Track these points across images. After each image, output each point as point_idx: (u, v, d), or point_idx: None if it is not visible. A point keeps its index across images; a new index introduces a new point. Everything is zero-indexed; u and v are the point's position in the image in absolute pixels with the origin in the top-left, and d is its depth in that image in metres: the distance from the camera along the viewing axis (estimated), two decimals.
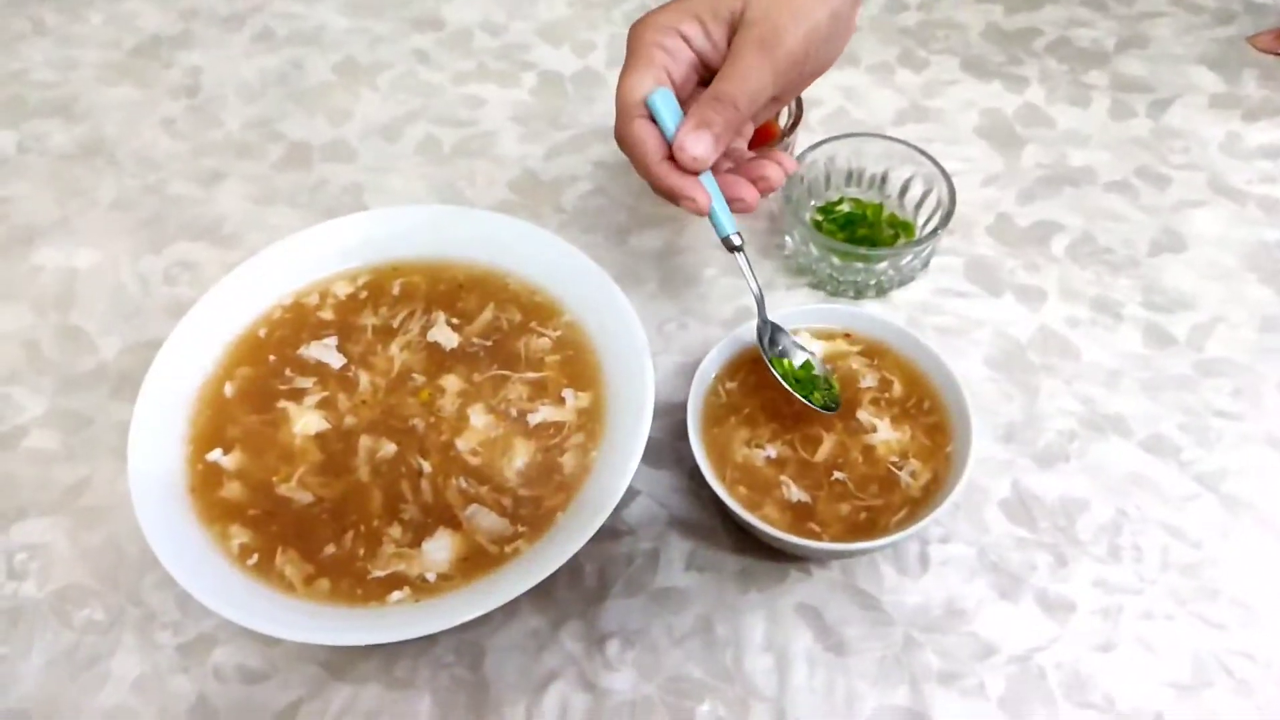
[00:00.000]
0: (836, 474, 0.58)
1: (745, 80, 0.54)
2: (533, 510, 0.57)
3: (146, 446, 0.57)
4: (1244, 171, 0.79)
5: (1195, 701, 0.55)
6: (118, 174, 0.81)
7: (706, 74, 0.57)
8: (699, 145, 0.54)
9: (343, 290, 0.66)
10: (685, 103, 0.56)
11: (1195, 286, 0.72)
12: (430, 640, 0.58)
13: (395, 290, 0.66)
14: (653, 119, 0.55)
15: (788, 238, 0.73)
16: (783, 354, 0.61)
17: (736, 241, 0.58)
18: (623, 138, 0.56)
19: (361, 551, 0.55)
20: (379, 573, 0.55)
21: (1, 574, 0.61)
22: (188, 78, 0.88)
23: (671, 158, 0.55)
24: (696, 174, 0.55)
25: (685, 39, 0.56)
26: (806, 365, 0.61)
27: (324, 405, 0.61)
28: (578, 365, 0.62)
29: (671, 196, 0.56)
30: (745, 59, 0.54)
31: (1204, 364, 0.68)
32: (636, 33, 0.56)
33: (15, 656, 0.58)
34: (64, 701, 0.56)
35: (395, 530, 0.56)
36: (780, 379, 0.59)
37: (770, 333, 0.62)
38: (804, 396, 0.59)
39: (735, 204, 0.57)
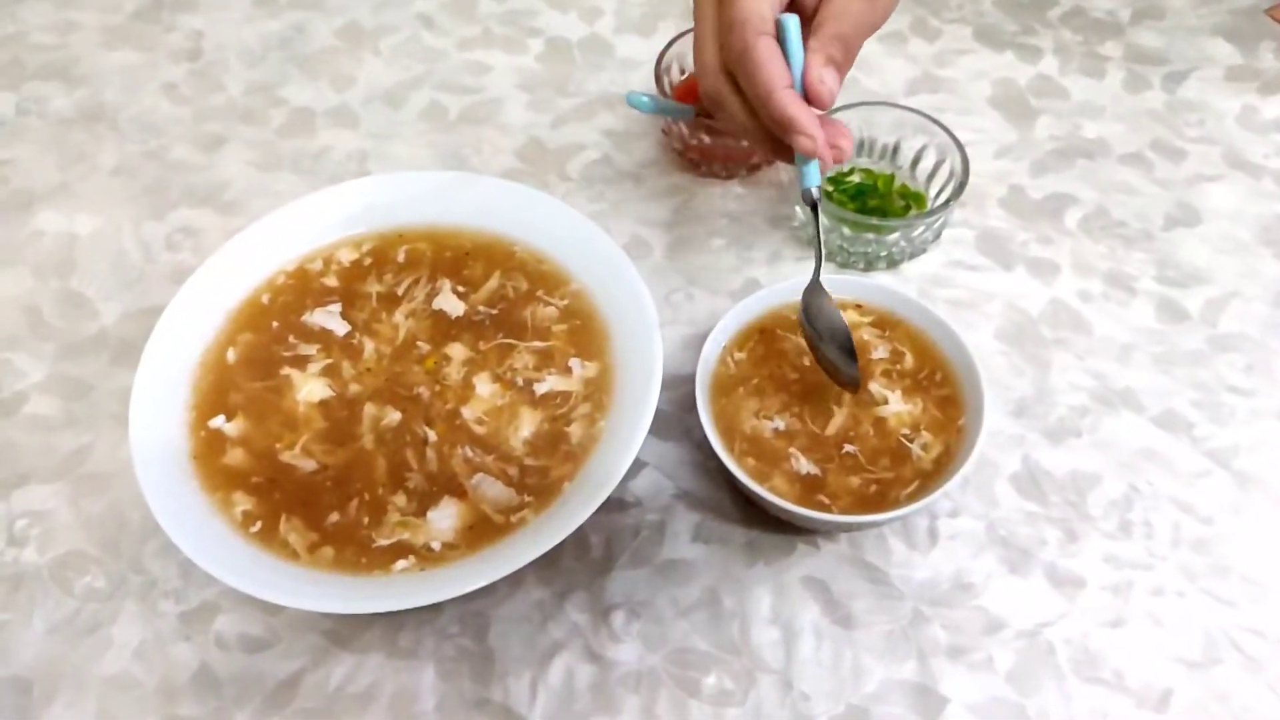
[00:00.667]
0: (848, 447, 0.58)
1: (859, 25, 0.52)
2: (539, 480, 0.56)
3: (148, 413, 0.56)
4: (1260, 145, 0.78)
5: (1205, 678, 0.55)
6: (119, 139, 0.80)
7: (791, 9, 0.54)
8: (833, 82, 0.51)
9: (347, 257, 0.65)
10: None
11: (1209, 261, 0.71)
12: (434, 610, 0.57)
13: (400, 257, 0.65)
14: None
15: (797, 208, 0.72)
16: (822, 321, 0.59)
17: (816, 195, 0.55)
18: (745, 53, 0.50)
19: (366, 520, 0.55)
20: (383, 541, 0.54)
21: (2, 541, 0.61)
22: (189, 41, 0.87)
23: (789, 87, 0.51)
24: (824, 110, 0.52)
25: None
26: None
27: (328, 372, 0.60)
28: (585, 335, 0.62)
29: (787, 127, 0.51)
30: (855, 3, 0.52)
31: (1217, 339, 0.67)
32: None
33: (17, 623, 0.58)
34: (65, 668, 0.56)
35: (400, 499, 0.56)
36: (815, 347, 0.58)
37: (818, 298, 0.59)
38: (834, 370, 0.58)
39: (833, 151, 0.53)
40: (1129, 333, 0.68)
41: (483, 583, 0.50)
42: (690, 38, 0.59)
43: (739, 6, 0.51)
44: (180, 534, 0.51)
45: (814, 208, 0.56)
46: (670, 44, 0.75)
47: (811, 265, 0.71)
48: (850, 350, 0.58)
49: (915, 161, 0.72)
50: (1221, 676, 0.55)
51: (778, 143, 0.53)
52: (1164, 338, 0.68)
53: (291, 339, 0.62)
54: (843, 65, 0.52)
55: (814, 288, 0.59)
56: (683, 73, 0.77)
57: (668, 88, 0.75)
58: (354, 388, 0.60)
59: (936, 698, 0.55)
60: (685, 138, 0.74)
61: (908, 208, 0.71)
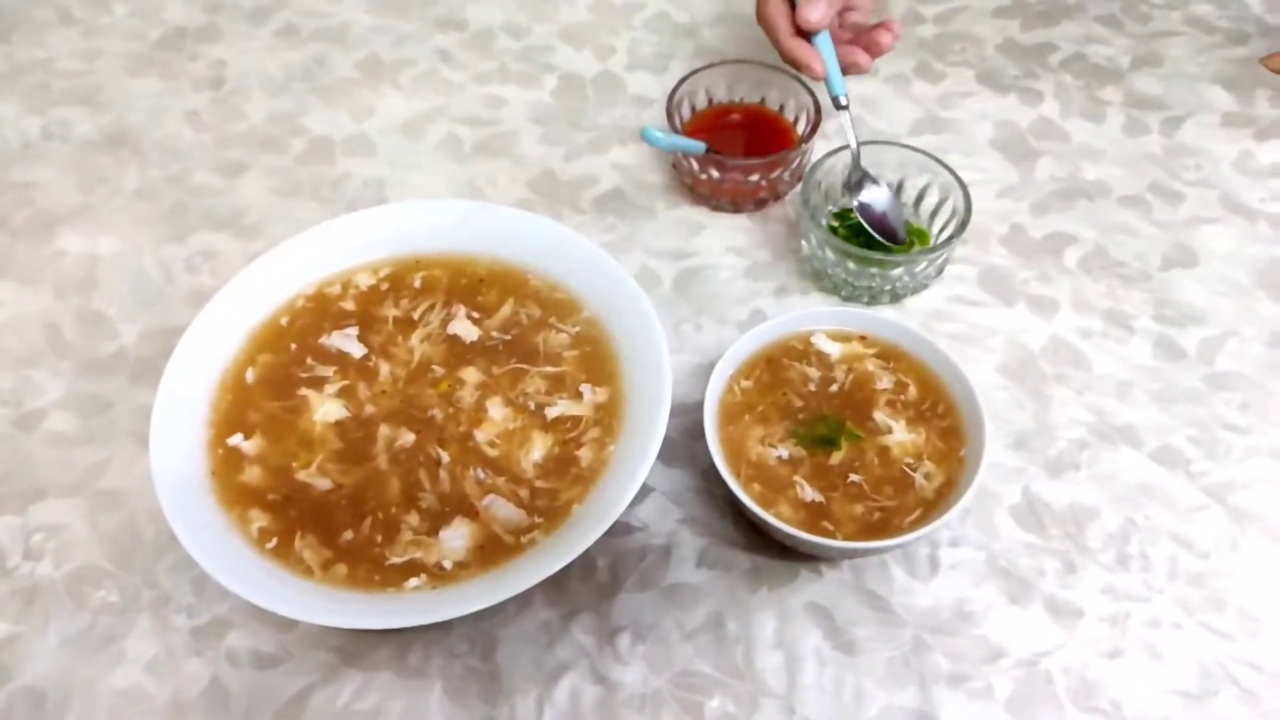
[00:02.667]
0: (852, 476, 0.59)
1: None
2: (549, 502, 0.57)
3: (169, 430, 0.58)
4: (1256, 190, 0.79)
5: (1201, 709, 0.56)
6: (141, 163, 0.82)
7: None
8: (815, 12, 0.69)
9: (365, 282, 0.67)
10: None
11: (1206, 301, 0.73)
12: (443, 629, 0.58)
13: (417, 283, 0.67)
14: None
15: (804, 242, 0.73)
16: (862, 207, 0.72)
17: (844, 102, 0.71)
18: (758, 15, 0.74)
19: (379, 538, 0.56)
20: (396, 559, 0.55)
21: (18, 554, 0.62)
22: (212, 70, 0.89)
23: (800, 32, 0.70)
24: (812, 34, 0.70)
25: None
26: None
27: (344, 394, 0.62)
28: (596, 361, 0.63)
29: (796, 65, 0.71)
30: None
31: (1214, 378, 0.69)
32: None
33: (32, 635, 0.58)
34: (79, 680, 0.57)
35: (413, 518, 0.57)
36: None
37: (858, 180, 0.72)
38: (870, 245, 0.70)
39: (850, 68, 0.72)
40: (1128, 370, 0.69)
41: (493, 601, 0.51)
42: (699, 76, 0.76)
43: None
44: (197, 548, 0.52)
45: (844, 110, 0.72)
46: (682, 82, 0.77)
47: (817, 297, 0.73)
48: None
49: (919, 199, 0.74)
50: (1218, 708, 0.56)
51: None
52: (1162, 375, 0.69)
53: (309, 360, 0.63)
54: None
55: (852, 177, 0.72)
56: (694, 109, 0.79)
57: (679, 124, 0.77)
58: (369, 409, 0.61)
59: None
60: (695, 172, 0.76)
61: (911, 244, 0.73)
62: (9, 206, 0.79)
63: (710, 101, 0.80)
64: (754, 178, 0.75)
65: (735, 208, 0.78)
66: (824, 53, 0.71)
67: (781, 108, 0.79)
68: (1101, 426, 0.67)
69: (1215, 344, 0.71)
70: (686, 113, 0.79)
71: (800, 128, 0.77)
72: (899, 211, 0.72)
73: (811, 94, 0.76)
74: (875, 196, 0.72)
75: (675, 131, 0.75)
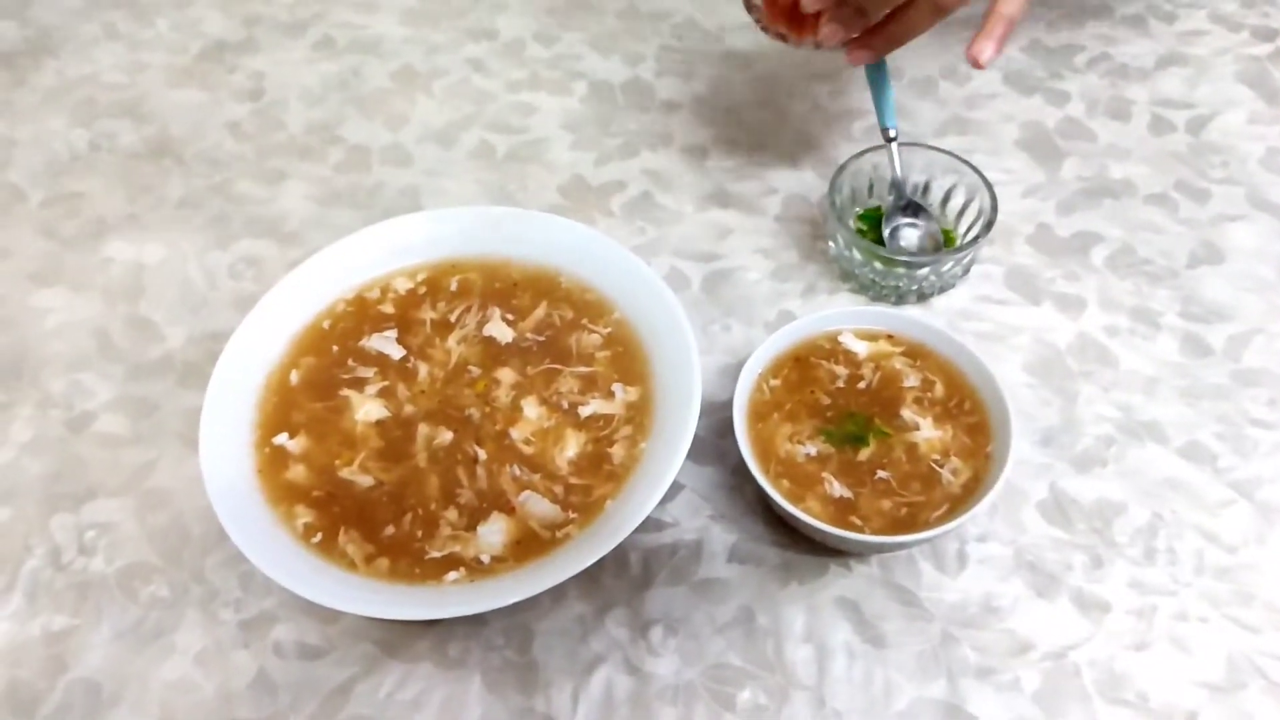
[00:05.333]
0: (880, 473, 0.60)
1: None
2: (583, 498, 0.59)
3: (217, 430, 0.60)
4: None
5: (1229, 702, 0.56)
6: (185, 173, 0.85)
7: None
8: (985, 51, 0.65)
9: (403, 286, 0.69)
10: None
11: (1233, 298, 0.73)
12: (481, 623, 0.60)
13: (453, 287, 0.69)
14: None
15: (830, 243, 0.74)
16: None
17: (893, 134, 0.73)
18: None
19: (419, 533, 0.58)
20: (436, 554, 0.57)
21: (72, 550, 0.64)
22: (251, 82, 0.92)
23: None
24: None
25: None
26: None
27: (384, 394, 0.64)
28: (627, 361, 0.64)
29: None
30: None
31: (1241, 374, 0.69)
32: None
33: (86, 629, 0.61)
34: (131, 672, 0.59)
35: (451, 514, 0.59)
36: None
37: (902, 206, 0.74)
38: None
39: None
40: (1154, 366, 0.70)
41: (529, 593, 0.52)
42: None
43: None
44: (246, 544, 0.54)
45: (894, 140, 0.73)
46: None
47: (845, 297, 0.74)
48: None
49: (945, 200, 0.75)
50: (1245, 700, 0.56)
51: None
52: (1188, 372, 0.70)
53: (350, 362, 0.65)
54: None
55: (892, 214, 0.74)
56: None
57: None
58: (409, 409, 0.63)
59: (965, 717, 0.56)
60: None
61: (938, 245, 0.74)
62: (59, 216, 0.82)
63: None
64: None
65: (817, 43, 0.71)
66: (881, 84, 0.73)
67: None
68: (1128, 423, 0.67)
69: (1242, 340, 0.71)
70: None
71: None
72: (934, 240, 0.74)
73: None
74: (909, 239, 0.74)
75: None
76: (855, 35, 0.69)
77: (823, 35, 0.69)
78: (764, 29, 0.74)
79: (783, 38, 0.73)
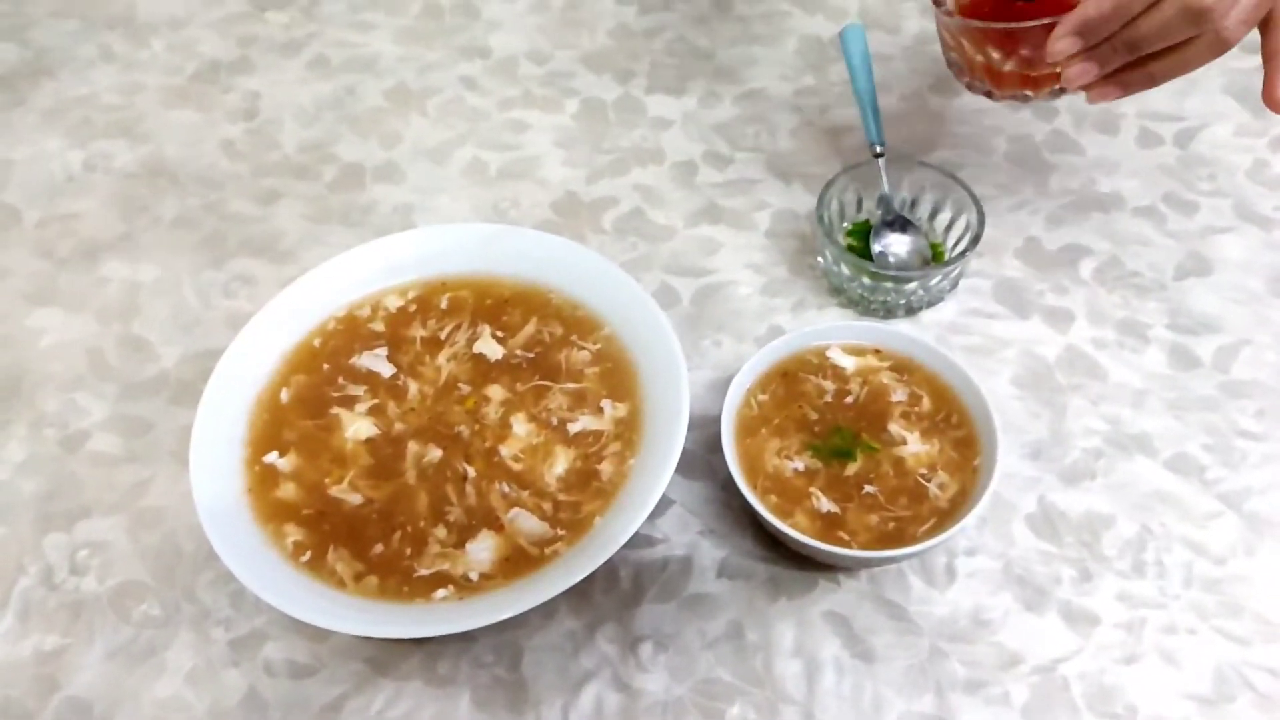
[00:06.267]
0: (867, 487, 0.60)
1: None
2: (571, 515, 0.59)
3: (207, 448, 0.60)
4: (1270, 198, 0.80)
5: (1218, 715, 0.56)
6: (179, 193, 0.85)
7: None
8: None
9: (393, 303, 0.69)
10: None
11: (1221, 310, 0.73)
12: (471, 640, 0.60)
13: (443, 304, 0.69)
14: None
15: (820, 258, 0.75)
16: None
17: (879, 150, 0.75)
18: None
19: (408, 551, 0.58)
20: (425, 571, 0.57)
21: (65, 569, 0.64)
22: (245, 102, 0.92)
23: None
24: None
25: None
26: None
27: (374, 412, 0.64)
28: (616, 377, 0.65)
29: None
30: None
31: (1229, 385, 0.69)
32: None
33: (78, 647, 0.61)
34: (123, 691, 0.59)
35: (440, 531, 0.59)
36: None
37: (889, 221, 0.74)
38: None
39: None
40: (1143, 379, 0.70)
41: (517, 610, 0.53)
42: None
43: None
44: (236, 563, 0.55)
45: (881, 156, 0.74)
46: None
47: (835, 311, 0.74)
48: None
49: (933, 214, 0.75)
50: (1234, 713, 0.56)
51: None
52: (1177, 384, 0.70)
53: (341, 380, 0.66)
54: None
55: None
56: None
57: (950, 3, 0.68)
58: (398, 426, 0.63)
59: None
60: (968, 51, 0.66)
61: (926, 259, 0.74)
62: (54, 237, 0.82)
63: None
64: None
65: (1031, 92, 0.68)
66: (869, 100, 0.75)
67: None
68: (1116, 435, 0.67)
69: (1230, 352, 0.71)
70: None
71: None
72: (921, 255, 0.74)
73: None
74: (897, 248, 0.74)
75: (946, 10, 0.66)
76: (1106, 73, 0.62)
77: (1071, 75, 0.61)
78: (968, 85, 0.70)
79: (990, 95, 0.69)
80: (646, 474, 0.59)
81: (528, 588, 0.56)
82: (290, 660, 0.60)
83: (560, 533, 0.59)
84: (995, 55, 0.65)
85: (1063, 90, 0.66)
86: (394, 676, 0.59)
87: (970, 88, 0.70)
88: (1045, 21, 0.60)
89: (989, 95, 0.69)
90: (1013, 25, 0.62)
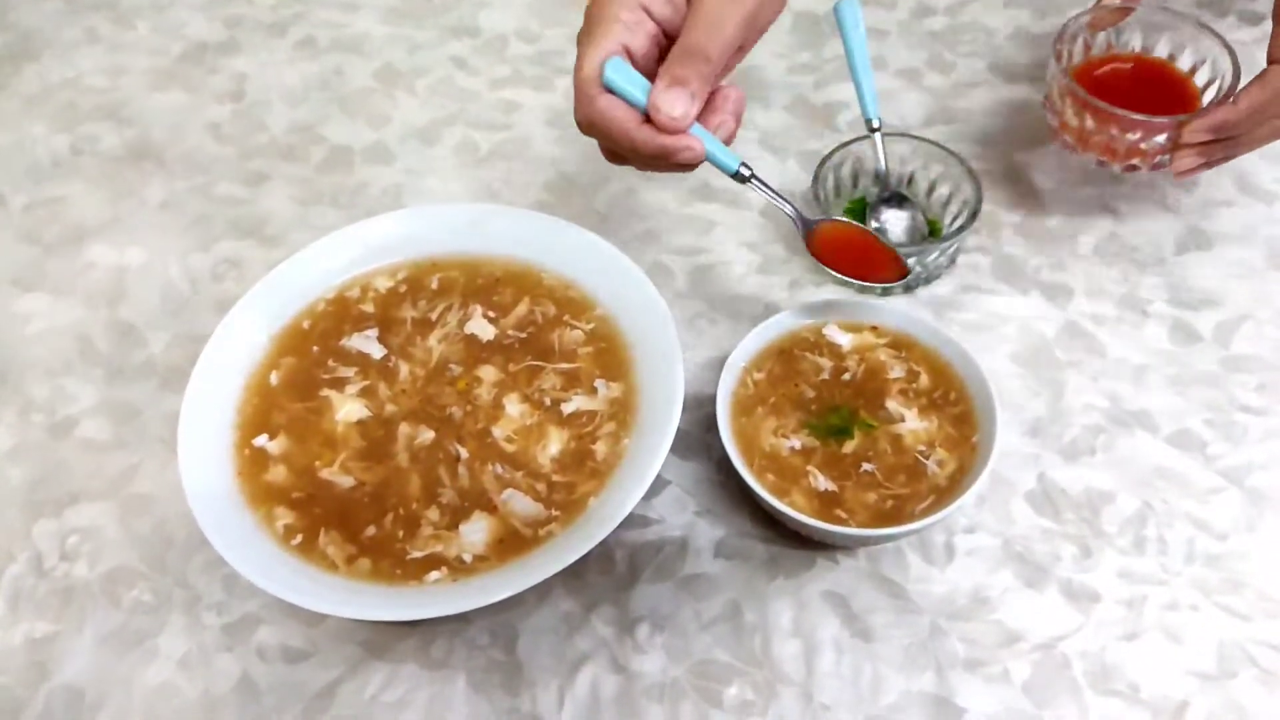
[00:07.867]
0: (865, 465, 0.60)
1: (716, 29, 0.52)
2: (565, 495, 0.59)
3: (196, 433, 0.59)
4: (1270, 171, 0.79)
5: (1220, 691, 0.56)
6: (167, 176, 0.84)
7: (667, 44, 0.54)
8: (676, 105, 0.51)
9: (383, 284, 0.68)
10: (650, 75, 0.53)
11: (1221, 285, 0.73)
12: (465, 622, 0.60)
13: (434, 285, 0.68)
14: (613, 93, 0.53)
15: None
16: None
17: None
18: (590, 116, 0.53)
19: (401, 533, 0.57)
20: (417, 553, 0.57)
21: (54, 556, 0.63)
22: (232, 83, 0.91)
23: (649, 121, 0.52)
24: (676, 134, 0.52)
25: (646, 9, 0.53)
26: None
27: (365, 394, 0.63)
28: (610, 357, 0.64)
29: (664, 156, 0.52)
30: (712, 6, 0.52)
31: (1230, 360, 0.69)
32: (594, 8, 0.54)
33: (69, 634, 0.60)
34: (114, 678, 0.59)
35: (433, 513, 0.58)
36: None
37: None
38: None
39: (719, 130, 0.54)
40: (1143, 354, 0.69)
41: (511, 592, 0.52)
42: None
43: (575, 77, 0.54)
44: (227, 548, 0.54)
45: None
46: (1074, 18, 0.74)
47: (831, 289, 0.74)
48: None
49: (930, 190, 0.74)
50: (1237, 689, 0.56)
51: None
52: (1177, 359, 0.69)
53: (331, 362, 0.65)
54: (693, 78, 0.51)
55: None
56: (1087, 49, 0.76)
57: (1066, 63, 0.73)
58: (390, 408, 0.62)
59: (954, 709, 0.56)
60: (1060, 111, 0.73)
61: (923, 235, 0.73)
62: (40, 221, 0.81)
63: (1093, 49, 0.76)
64: (1135, 135, 0.70)
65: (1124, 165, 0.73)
66: (865, 75, 0.72)
67: (1172, 57, 0.76)
68: (1116, 411, 0.67)
69: (1231, 327, 0.70)
70: (1079, 54, 0.76)
71: (1205, 84, 0.74)
72: (919, 231, 0.73)
73: (1227, 47, 0.72)
74: (894, 224, 0.73)
75: (1064, 74, 0.72)
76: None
77: (1183, 165, 0.69)
78: (1053, 131, 0.76)
79: (1103, 164, 0.74)
80: (641, 454, 0.58)
81: (522, 569, 0.55)
82: (283, 645, 0.59)
83: (554, 514, 0.58)
84: (1091, 123, 0.72)
85: (1136, 169, 0.73)
86: (388, 660, 0.59)
87: (1054, 135, 0.76)
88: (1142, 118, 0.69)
89: (1071, 150, 0.75)
90: (1115, 110, 0.69)
